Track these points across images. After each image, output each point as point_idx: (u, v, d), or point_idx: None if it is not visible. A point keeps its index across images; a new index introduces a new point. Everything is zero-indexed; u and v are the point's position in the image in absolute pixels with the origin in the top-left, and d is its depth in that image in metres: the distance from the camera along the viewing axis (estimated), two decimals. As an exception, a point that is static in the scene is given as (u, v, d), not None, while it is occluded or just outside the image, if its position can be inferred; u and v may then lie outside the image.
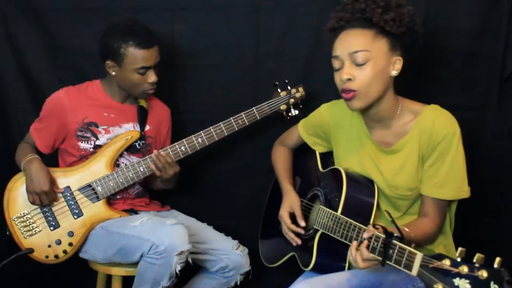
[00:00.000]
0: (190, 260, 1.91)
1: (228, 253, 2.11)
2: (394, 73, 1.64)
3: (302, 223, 1.84)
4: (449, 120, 1.63)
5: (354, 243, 1.47)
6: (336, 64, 1.65)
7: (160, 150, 2.06)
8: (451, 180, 1.63)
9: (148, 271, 1.89)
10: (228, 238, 2.17)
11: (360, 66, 1.59)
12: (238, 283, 2.15)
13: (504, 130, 2.23)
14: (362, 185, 1.73)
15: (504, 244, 2.26)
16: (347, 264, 1.72)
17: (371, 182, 1.73)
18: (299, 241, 1.83)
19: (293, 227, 1.85)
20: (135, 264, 1.95)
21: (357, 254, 1.45)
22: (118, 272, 2.05)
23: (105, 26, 2.04)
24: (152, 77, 2.01)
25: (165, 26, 2.31)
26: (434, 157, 1.62)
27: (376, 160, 1.73)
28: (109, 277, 2.13)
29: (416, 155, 1.65)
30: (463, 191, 1.65)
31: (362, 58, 1.59)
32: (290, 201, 1.92)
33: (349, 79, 1.60)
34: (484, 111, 2.23)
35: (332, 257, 1.73)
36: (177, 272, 1.87)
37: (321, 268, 1.73)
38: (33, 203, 1.99)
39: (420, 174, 1.66)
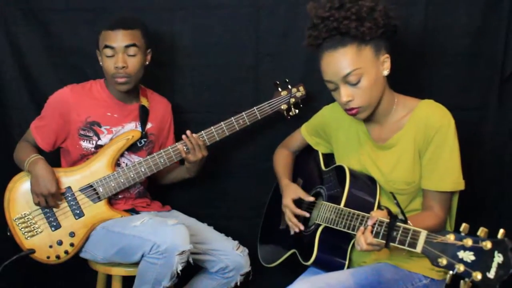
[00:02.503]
0: (191, 260, 1.91)
1: (228, 254, 2.11)
2: (386, 72, 1.65)
3: (311, 198, 1.87)
4: (443, 112, 1.65)
5: (361, 228, 1.50)
6: (330, 86, 1.67)
7: (177, 143, 2.07)
8: (450, 171, 1.64)
9: (149, 271, 1.89)
10: (228, 239, 2.17)
11: (355, 85, 1.61)
12: (238, 283, 2.15)
13: (504, 130, 2.24)
14: (364, 183, 1.75)
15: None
16: (347, 262, 1.73)
17: (373, 181, 1.74)
18: (302, 227, 1.85)
19: (298, 210, 1.87)
20: (135, 264, 1.95)
21: (361, 237, 1.47)
22: (118, 272, 2.05)
23: None
24: (118, 61, 2.00)
25: (165, 26, 2.31)
26: (431, 151, 1.64)
27: (373, 156, 1.75)
28: (109, 277, 2.13)
29: (412, 149, 1.67)
30: (460, 183, 1.66)
31: (355, 77, 1.60)
32: (292, 189, 1.93)
33: (349, 101, 1.63)
34: (484, 111, 2.24)
35: (333, 253, 1.75)
36: (178, 272, 1.87)
37: (321, 263, 1.75)
38: (38, 204, 1.98)
39: (418, 168, 1.67)
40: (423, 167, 1.67)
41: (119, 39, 1.99)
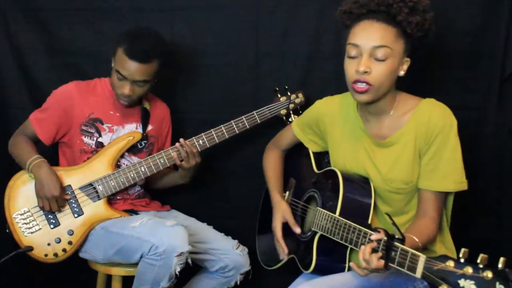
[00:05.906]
0: (189, 261, 1.91)
1: (228, 253, 2.11)
2: (402, 73, 1.64)
3: (298, 230, 1.85)
4: (445, 112, 1.64)
5: (362, 247, 1.45)
6: (352, 51, 1.61)
7: (177, 144, 2.06)
8: (452, 171, 1.62)
9: (148, 272, 1.89)
10: (228, 238, 2.17)
11: (379, 61, 1.57)
12: (238, 282, 2.15)
13: (504, 130, 2.23)
14: (358, 185, 1.72)
15: (504, 244, 2.26)
16: (347, 265, 1.72)
17: (367, 181, 1.72)
18: (286, 252, 1.87)
19: (282, 242, 1.88)
20: (135, 264, 1.95)
21: (361, 254, 1.44)
22: (118, 272, 2.05)
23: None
24: (125, 89, 1.99)
25: (165, 26, 2.30)
26: (433, 150, 1.62)
27: (371, 153, 1.72)
28: (109, 277, 2.13)
29: (412, 148, 1.64)
30: (463, 183, 1.65)
31: (383, 54, 1.57)
32: (282, 211, 1.92)
33: (366, 72, 1.58)
34: (484, 111, 2.23)
35: (332, 258, 1.73)
36: (177, 273, 1.87)
37: (321, 270, 1.73)
38: (42, 208, 1.99)
39: (417, 168, 1.65)
40: (422, 167, 1.64)
41: (132, 71, 1.95)
